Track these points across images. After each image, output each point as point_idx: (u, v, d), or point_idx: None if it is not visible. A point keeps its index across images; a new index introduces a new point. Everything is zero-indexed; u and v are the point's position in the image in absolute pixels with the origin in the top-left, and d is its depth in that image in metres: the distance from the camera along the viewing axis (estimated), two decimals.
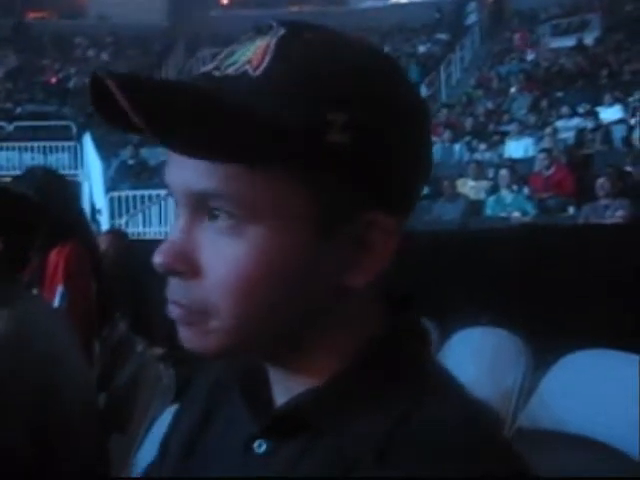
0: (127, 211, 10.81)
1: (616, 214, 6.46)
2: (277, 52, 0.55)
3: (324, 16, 15.18)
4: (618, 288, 3.79)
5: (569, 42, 14.99)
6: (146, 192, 10.77)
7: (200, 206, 0.57)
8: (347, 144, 0.54)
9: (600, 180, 6.71)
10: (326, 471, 0.57)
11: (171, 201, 0.60)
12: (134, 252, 4.04)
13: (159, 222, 10.38)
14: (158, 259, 0.57)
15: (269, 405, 0.64)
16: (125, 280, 3.39)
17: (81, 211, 2.81)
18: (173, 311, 0.59)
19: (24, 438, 1.48)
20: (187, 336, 0.59)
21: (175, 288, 0.58)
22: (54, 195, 2.35)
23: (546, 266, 4.24)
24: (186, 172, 0.56)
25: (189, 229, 0.58)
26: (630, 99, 10.78)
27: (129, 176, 11.77)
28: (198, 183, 0.55)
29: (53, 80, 17.50)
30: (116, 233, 4.69)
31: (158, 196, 10.75)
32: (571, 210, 7.31)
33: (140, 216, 10.53)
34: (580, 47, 14.39)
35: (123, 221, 10.36)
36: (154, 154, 12.40)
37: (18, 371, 1.51)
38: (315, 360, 0.61)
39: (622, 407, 1.73)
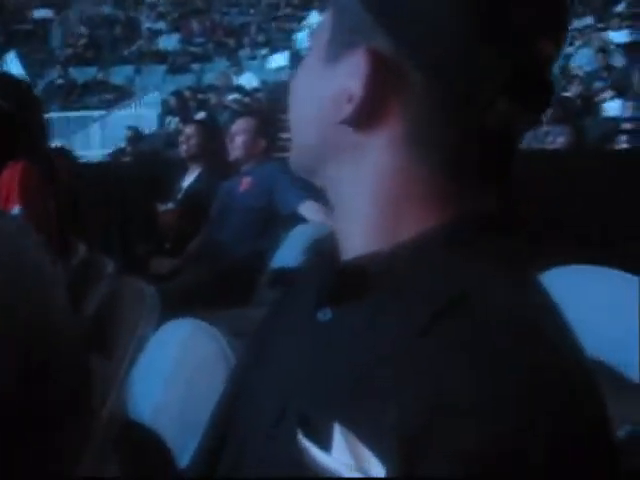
0: (58, 135, 10.40)
1: (557, 140, 6.56)
2: None
3: None
4: (555, 213, 3.88)
5: None
6: (78, 114, 10.37)
7: None
8: None
9: None
10: (376, 343, 0.54)
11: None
12: (79, 174, 3.88)
13: (101, 144, 10.04)
14: None
15: None
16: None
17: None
18: None
19: (12, 358, 1.41)
20: None
21: None
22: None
23: None
24: None
25: None
26: None
27: (57, 97, 11.30)
28: None
29: None
30: (60, 152, 4.46)
31: (91, 117, 10.39)
32: None
33: (79, 138, 10.16)
34: None
35: (54, 145, 9.96)
36: (83, 73, 11.93)
37: None
38: (374, 229, 0.59)
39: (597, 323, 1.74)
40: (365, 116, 0.58)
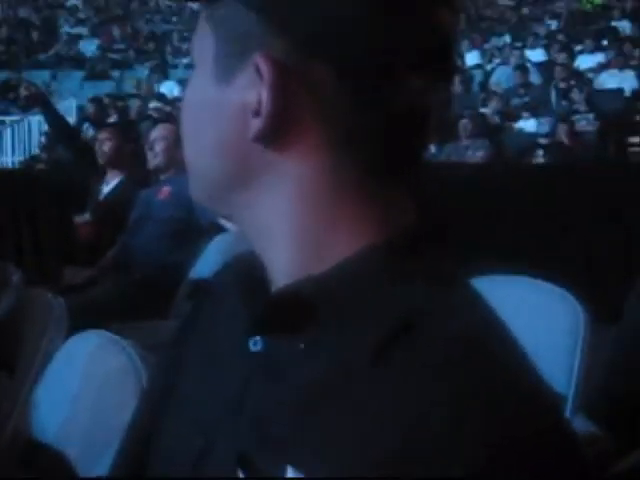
0: None
1: (476, 154, 6.69)
2: None
3: None
4: (476, 222, 3.95)
5: None
6: None
7: None
8: None
9: (463, 121, 6.92)
10: (320, 375, 0.50)
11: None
12: None
13: (13, 151, 9.71)
14: None
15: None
16: None
17: None
18: None
19: None
20: None
21: None
22: None
23: None
24: None
25: None
26: (486, 45, 11.15)
27: None
28: None
29: None
30: None
31: (3, 122, 10.03)
32: (432, 149, 7.49)
33: None
34: None
35: None
36: None
37: None
38: (300, 253, 0.54)
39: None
40: (277, 129, 0.52)
